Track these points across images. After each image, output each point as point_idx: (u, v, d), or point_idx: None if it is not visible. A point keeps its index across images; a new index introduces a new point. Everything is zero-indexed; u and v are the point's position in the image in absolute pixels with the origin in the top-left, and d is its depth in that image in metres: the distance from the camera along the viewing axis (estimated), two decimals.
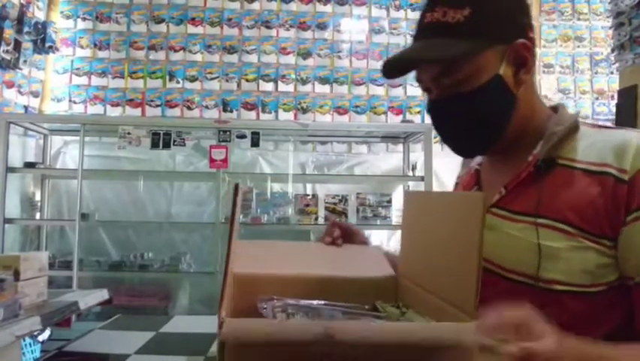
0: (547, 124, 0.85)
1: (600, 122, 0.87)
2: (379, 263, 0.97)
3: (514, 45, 0.82)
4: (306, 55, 4.32)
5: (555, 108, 0.90)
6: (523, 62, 0.83)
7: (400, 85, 4.29)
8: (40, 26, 3.76)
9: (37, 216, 3.74)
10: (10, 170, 3.33)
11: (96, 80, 4.15)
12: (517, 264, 0.80)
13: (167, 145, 3.35)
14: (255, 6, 4.34)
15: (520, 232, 0.80)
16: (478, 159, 1.00)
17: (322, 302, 0.79)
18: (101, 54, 4.19)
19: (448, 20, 0.81)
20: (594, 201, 0.76)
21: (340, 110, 4.29)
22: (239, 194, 0.67)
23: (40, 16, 3.90)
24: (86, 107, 4.12)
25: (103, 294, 1.93)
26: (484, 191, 0.92)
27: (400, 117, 4.26)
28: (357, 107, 4.29)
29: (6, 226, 3.29)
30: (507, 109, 0.83)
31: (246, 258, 0.86)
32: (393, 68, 0.88)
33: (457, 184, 1.10)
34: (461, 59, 0.80)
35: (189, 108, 4.18)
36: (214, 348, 1.44)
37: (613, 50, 2.99)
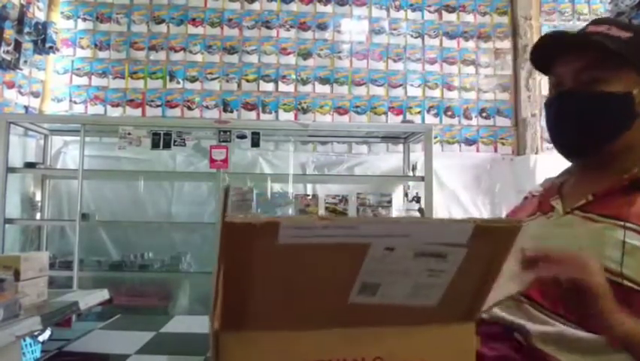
0: None
1: None
2: None
3: None
4: (306, 55, 4.32)
5: None
6: None
7: (400, 85, 4.29)
8: (40, 27, 3.76)
9: (38, 216, 3.74)
10: (11, 170, 3.33)
11: (96, 81, 4.15)
12: (598, 256, 0.80)
13: (167, 145, 3.35)
14: (256, 6, 4.34)
15: (604, 230, 0.83)
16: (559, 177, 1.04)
17: None
18: (102, 54, 4.19)
19: (609, 34, 0.90)
20: None
21: (340, 111, 4.28)
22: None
23: (40, 16, 3.90)
24: (86, 107, 4.12)
25: (103, 294, 1.93)
26: (564, 199, 0.96)
27: (400, 117, 4.25)
28: (357, 107, 4.29)
29: (6, 226, 3.29)
30: (624, 124, 0.90)
31: None
32: (546, 48, 0.96)
33: (525, 198, 1.11)
34: (613, 56, 0.87)
35: (189, 108, 4.18)
36: None
37: None
